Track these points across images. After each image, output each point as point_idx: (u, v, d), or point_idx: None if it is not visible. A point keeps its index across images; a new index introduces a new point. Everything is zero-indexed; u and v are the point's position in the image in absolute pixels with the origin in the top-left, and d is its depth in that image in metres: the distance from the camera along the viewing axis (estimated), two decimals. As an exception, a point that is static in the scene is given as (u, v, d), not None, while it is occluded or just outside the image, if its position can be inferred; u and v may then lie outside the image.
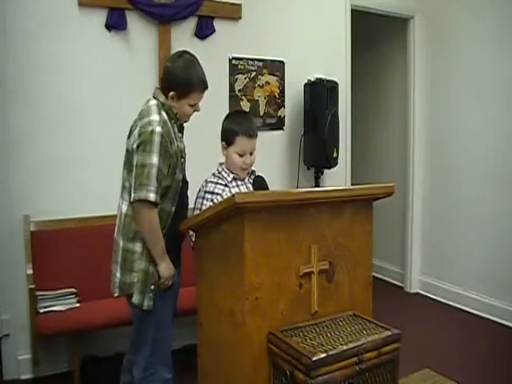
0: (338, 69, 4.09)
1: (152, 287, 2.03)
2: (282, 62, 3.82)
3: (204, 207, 2.11)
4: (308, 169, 3.96)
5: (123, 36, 3.19)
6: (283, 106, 3.87)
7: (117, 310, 2.64)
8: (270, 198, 1.74)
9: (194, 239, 2.10)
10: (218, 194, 2.13)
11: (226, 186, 2.16)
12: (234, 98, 3.62)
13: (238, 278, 1.69)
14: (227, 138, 2.18)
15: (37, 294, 2.70)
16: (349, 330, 1.75)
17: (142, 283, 2.02)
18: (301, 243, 1.79)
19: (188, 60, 2.05)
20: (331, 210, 1.87)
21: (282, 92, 3.85)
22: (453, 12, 4.22)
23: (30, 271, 2.76)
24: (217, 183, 2.17)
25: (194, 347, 2.10)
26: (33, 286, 2.67)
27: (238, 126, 2.15)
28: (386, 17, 4.49)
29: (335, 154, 3.82)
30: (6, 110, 2.88)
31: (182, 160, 2.12)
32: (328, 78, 3.81)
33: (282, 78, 3.83)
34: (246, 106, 3.68)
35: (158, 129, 1.93)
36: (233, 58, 3.60)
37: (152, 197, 1.91)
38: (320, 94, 3.74)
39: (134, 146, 1.96)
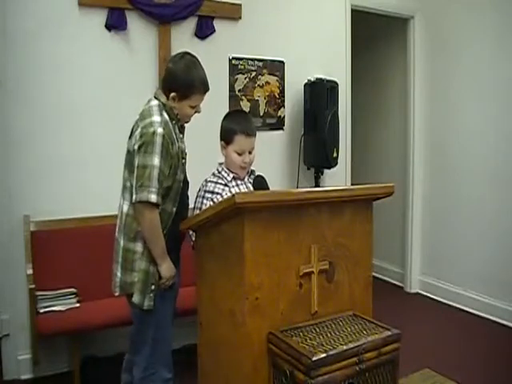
0: (338, 69, 4.09)
1: (152, 287, 2.03)
2: (282, 62, 3.82)
3: (204, 206, 2.11)
4: (308, 169, 3.96)
5: (123, 36, 3.19)
6: (283, 105, 3.87)
7: (117, 309, 2.64)
8: (270, 198, 1.74)
9: (194, 239, 2.10)
10: (218, 193, 2.13)
11: (225, 185, 2.17)
12: (234, 97, 3.62)
13: (238, 277, 1.69)
14: (226, 137, 2.18)
15: (37, 294, 2.70)
16: (349, 329, 1.75)
17: (142, 283, 2.02)
18: (301, 243, 1.79)
19: (190, 61, 2.05)
20: (331, 210, 1.87)
21: (282, 92, 3.85)
22: (453, 12, 4.22)
23: (30, 271, 2.76)
24: (217, 183, 2.17)
25: (194, 347, 2.10)
26: (33, 286, 2.67)
27: (236, 125, 2.16)
28: (386, 17, 4.49)
29: (335, 154, 3.82)
30: (5, 109, 2.88)
31: (183, 161, 2.12)
32: (328, 78, 3.81)
33: (282, 78, 3.83)
34: (246, 106, 3.68)
35: (160, 130, 1.93)
36: (233, 58, 3.61)
37: (153, 198, 1.91)
38: (320, 94, 3.74)
39: (136, 147, 1.96)
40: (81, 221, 3.05)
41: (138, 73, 3.23)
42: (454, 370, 3.02)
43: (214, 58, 3.40)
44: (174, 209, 2.08)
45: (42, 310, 2.71)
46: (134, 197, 1.95)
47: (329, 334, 1.71)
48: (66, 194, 3.03)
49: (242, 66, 3.65)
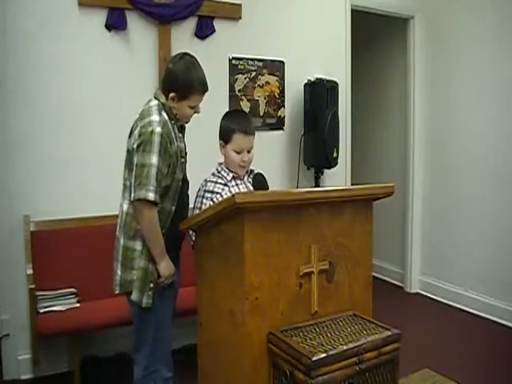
0: (338, 69, 4.09)
1: (151, 285, 2.04)
2: (282, 62, 3.82)
3: (204, 206, 2.11)
4: (308, 169, 3.96)
5: (123, 36, 3.19)
6: (283, 106, 3.87)
7: (117, 309, 2.64)
8: (270, 198, 1.74)
9: (193, 239, 2.11)
10: (217, 192, 2.14)
11: (225, 185, 2.17)
12: (234, 97, 3.62)
13: (238, 278, 1.69)
14: (224, 136, 2.19)
15: (37, 294, 2.70)
16: (349, 329, 1.75)
17: (140, 281, 2.03)
18: (301, 243, 1.79)
19: (189, 62, 2.07)
20: (331, 210, 1.87)
21: (282, 92, 3.85)
22: (453, 12, 4.22)
23: (30, 271, 2.76)
24: (216, 182, 2.18)
25: (194, 347, 2.10)
26: (33, 286, 2.67)
27: (234, 124, 2.17)
28: (386, 17, 4.49)
29: (335, 154, 3.82)
30: (6, 110, 2.88)
31: (183, 160, 2.12)
32: (328, 78, 3.81)
33: (282, 78, 3.83)
34: (246, 106, 3.68)
35: (158, 129, 1.95)
36: (233, 58, 3.61)
37: (151, 196, 1.93)
38: (320, 94, 3.74)
39: (135, 146, 1.98)
40: (81, 221, 3.05)
41: (138, 73, 3.23)
42: (453, 370, 3.02)
43: (214, 57, 3.40)
44: (173, 207, 2.08)
45: (41, 310, 2.70)
46: (132, 195, 1.97)
47: (329, 334, 1.71)
48: (66, 194, 3.03)
49: (242, 66, 3.65)
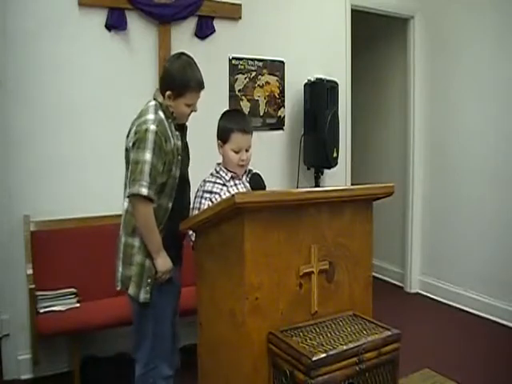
0: (338, 69, 4.09)
1: (149, 281, 2.07)
2: (282, 62, 3.82)
3: (202, 206, 2.12)
4: (308, 169, 3.96)
5: (123, 36, 3.19)
6: (283, 106, 3.87)
7: (117, 309, 2.65)
8: (270, 197, 1.74)
9: (193, 239, 2.11)
10: (216, 193, 2.15)
11: (224, 185, 2.18)
12: (233, 97, 3.62)
13: (238, 277, 1.69)
14: (222, 135, 2.20)
15: (37, 294, 2.70)
16: (349, 329, 1.75)
17: (137, 276, 2.07)
18: (301, 243, 1.79)
19: (185, 61, 2.11)
20: (331, 210, 1.87)
21: (282, 92, 3.85)
22: (453, 12, 4.22)
23: (30, 271, 2.76)
24: (215, 182, 2.18)
25: (194, 347, 2.10)
26: (33, 286, 2.67)
27: (232, 124, 2.18)
28: (386, 17, 4.48)
29: (335, 154, 3.82)
30: (6, 109, 2.88)
31: (179, 157, 2.14)
32: (328, 78, 3.81)
33: (282, 78, 3.83)
34: (246, 106, 3.68)
35: (152, 127, 1.99)
36: (233, 58, 3.60)
37: (144, 191, 1.95)
38: (320, 94, 3.74)
39: (130, 144, 2.04)
40: (81, 221, 3.05)
41: (138, 73, 3.23)
42: (453, 370, 3.01)
43: (214, 58, 3.40)
44: (170, 204, 2.11)
45: (41, 310, 2.70)
46: (127, 191, 2.02)
47: (329, 334, 1.71)
48: (66, 194, 3.03)
49: (242, 66, 3.65)
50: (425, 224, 4.60)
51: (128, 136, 2.10)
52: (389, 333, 1.73)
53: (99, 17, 3.10)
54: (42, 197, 2.97)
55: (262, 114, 3.76)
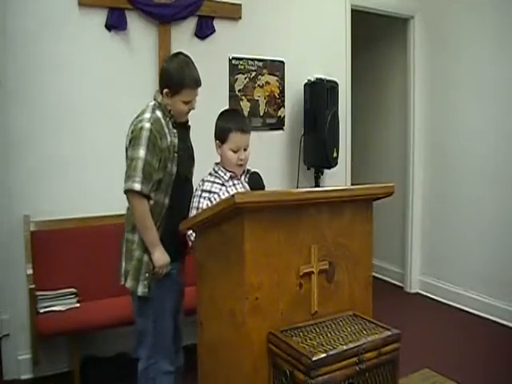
0: (338, 69, 4.09)
1: (146, 275, 2.11)
2: (282, 62, 3.82)
3: (201, 205, 2.13)
4: (308, 169, 3.96)
5: (123, 36, 3.19)
6: (283, 105, 3.87)
7: (117, 309, 2.65)
8: (270, 197, 1.73)
9: (193, 239, 2.11)
10: (215, 192, 2.15)
11: (222, 184, 2.18)
12: (233, 98, 3.62)
13: (238, 278, 1.69)
14: (221, 135, 2.21)
15: (37, 294, 2.71)
16: (349, 329, 1.75)
17: (135, 270, 2.12)
18: (301, 243, 1.79)
19: (182, 60, 2.15)
20: (331, 210, 1.86)
21: (282, 92, 3.85)
22: (453, 12, 4.22)
23: (30, 271, 2.76)
24: (214, 182, 2.19)
25: (194, 347, 2.10)
26: (33, 286, 2.67)
27: (231, 123, 2.19)
28: (386, 17, 4.48)
29: (335, 154, 3.82)
30: (6, 109, 2.88)
31: (175, 154, 2.16)
32: (328, 78, 3.81)
33: (282, 78, 3.83)
34: (246, 106, 3.68)
35: (147, 125, 2.04)
36: (233, 58, 3.60)
37: (137, 187, 2.00)
38: (320, 94, 3.74)
39: (127, 143, 2.10)
40: (81, 221, 3.05)
41: (138, 73, 3.23)
42: (453, 370, 3.02)
43: (213, 58, 3.40)
44: (167, 200, 2.14)
45: (41, 310, 2.71)
46: (123, 188, 2.06)
47: (329, 334, 1.71)
48: (66, 193, 3.03)
49: (242, 66, 3.65)
50: (425, 224, 4.60)
51: (127, 135, 2.14)
52: (389, 333, 1.73)
53: (99, 17, 3.10)
54: (42, 197, 2.97)
55: (261, 114, 3.76)
